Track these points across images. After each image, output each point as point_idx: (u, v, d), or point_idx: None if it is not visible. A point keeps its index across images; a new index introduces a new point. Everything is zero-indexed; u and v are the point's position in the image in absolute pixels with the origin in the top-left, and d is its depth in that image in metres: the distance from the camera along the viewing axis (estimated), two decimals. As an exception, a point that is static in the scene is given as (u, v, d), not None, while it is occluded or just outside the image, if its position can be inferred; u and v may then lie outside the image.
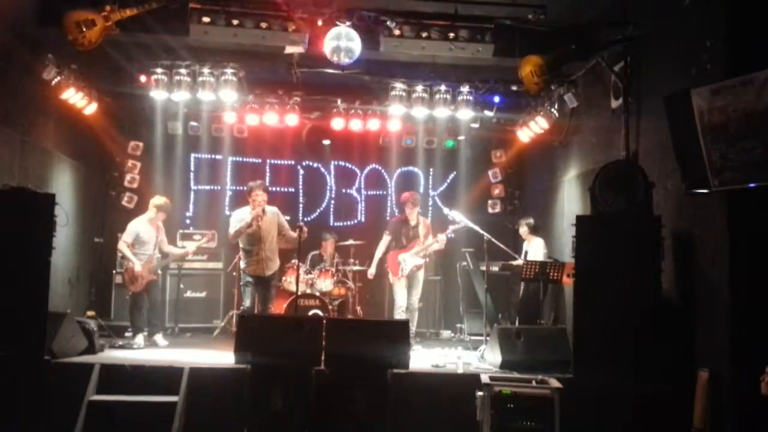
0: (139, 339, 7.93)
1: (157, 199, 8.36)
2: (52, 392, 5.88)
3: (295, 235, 7.98)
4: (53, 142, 8.47)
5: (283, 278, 9.01)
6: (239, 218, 7.96)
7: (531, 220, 9.05)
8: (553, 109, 8.79)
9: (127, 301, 8.48)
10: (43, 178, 8.12)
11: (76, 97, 8.21)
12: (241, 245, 8.11)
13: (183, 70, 8.45)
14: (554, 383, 5.73)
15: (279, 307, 8.74)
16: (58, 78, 7.74)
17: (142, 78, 8.68)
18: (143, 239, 8.11)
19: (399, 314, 8.45)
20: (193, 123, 10.20)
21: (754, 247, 5.25)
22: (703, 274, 5.79)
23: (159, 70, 8.47)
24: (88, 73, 8.35)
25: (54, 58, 7.57)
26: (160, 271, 8.45)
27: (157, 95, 8.69)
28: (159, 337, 8.20)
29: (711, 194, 5.44)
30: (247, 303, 8.02)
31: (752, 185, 5.08)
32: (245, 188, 8.28)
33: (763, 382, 4.53)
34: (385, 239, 8.80)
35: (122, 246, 8.07)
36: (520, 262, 8.50)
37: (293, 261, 8.82)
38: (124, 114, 9.79)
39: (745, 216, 5.28)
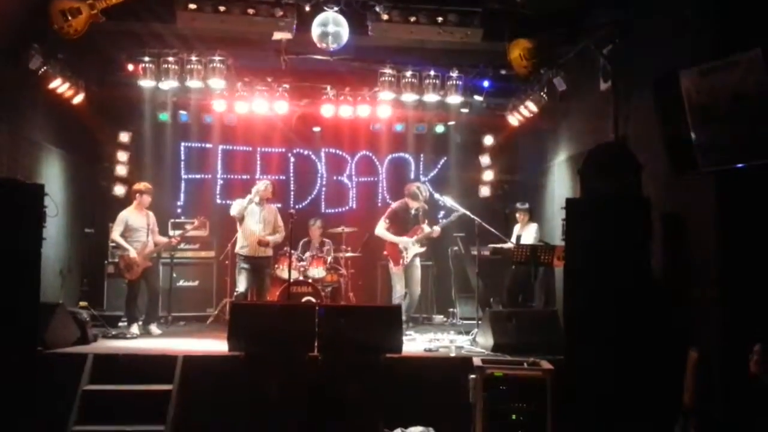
0: (134, 328, 7.95)
1: (137, 185, 8.48)
2: (45, 383, 5.89)
3: (279, 239, 8.44)
4: (41, 133, 8.41)
5: (276, 266, 9.02)
6: (242, 200, 8.31)
7: (527, 205, 9.08)
8: (542, 93, 8.79)
9: (119, 291, 8.50)
10: (32, 169, 8.06)
11: (63, 87, 8.13)
12: (239, 227, 8.30)
13: (171, 58, 8.40)
14: (546, 365, 5.78)
15: (272, 294, 8.76)
16: (45, 68, 7.66)
17: (130, 67, 8.62)
18: (134, 226, 8.15)
19: (398, 302, 8.42)
20: (182, 111, 10.16)
21: (743, 227, 5.28)
22: (693, 254, 5.83)
23: (146, 59, 8.42)
24: (75, 63, 8.27)
25: (40, 47, 7.48)
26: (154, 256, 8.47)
27: (145, 84, 8.64)
28: (154, 327, 8.22)
29: (699, 175, 5.47)
30: (240, 289, 8.12)
31: (740, 165, 5.11)
32: (246, 177, 8.58)
33: (752, 361, 4.59)
34: (383, 224, 8.74)
35: (115, 236, 8.10)
36: (511, 246, 8.53)
37: (285, 249, 8.84)
38: (112, 103, 9.70)
39: (733, 196, 5.30)
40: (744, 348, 4.62)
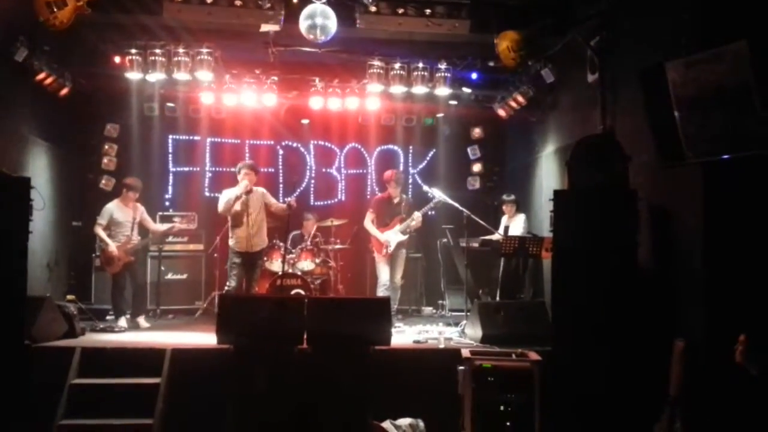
0: (122, 322, 7.92)
1: (126, 179, 8.45)
2: (33, 376, 5.86)
3: (284, 206, 8.16)
4: (28, 126, 8.34)
5: (265, 259, 9.00)
6: (228, 195, 8.03)
7: (513, 197, 9.12)
8: (530, 85, 8.80)
9: (108, 285, 8.44)
10: (19, 162, 8.00)
11: (49, 80, 8.08)
12: (229, 222, 8.16)
13: (158, 50, 8.35)
14: (534, 356, 5.80)
15: (261, 287, 8.75)
16: (31, 60, 7.60)
17: (117, 59, 8.57)
18: (118, 220, 8.11)
19: (382, 291, 8.50)
20: (169, 104, 10.12)
21: (729, 218, 5.32)
22: (679, 245, 5.86)
23: (133, 51, 8.36)
24: (61, 55, 8.21)
25: (25, 39, 7.43)
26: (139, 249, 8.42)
27: (132, 76, 8.59)
28: (141, 319, 8.19)
29: (686, 166, 5.50)
30: (232, 284, 8.04)
31: (725, 156, 5.14)
32: (234, 169, 8.34)
33: (737, 350, 4.62)
34: (369, 216, 8.81)
35: (97, 228, 8.05)
36: (499, 237, 8.56)
37: (275, 241, 8.82)
38: (99, 96, 9.65)
39: (719, 187, 5.34)
40: (729, 338, 4.66)
